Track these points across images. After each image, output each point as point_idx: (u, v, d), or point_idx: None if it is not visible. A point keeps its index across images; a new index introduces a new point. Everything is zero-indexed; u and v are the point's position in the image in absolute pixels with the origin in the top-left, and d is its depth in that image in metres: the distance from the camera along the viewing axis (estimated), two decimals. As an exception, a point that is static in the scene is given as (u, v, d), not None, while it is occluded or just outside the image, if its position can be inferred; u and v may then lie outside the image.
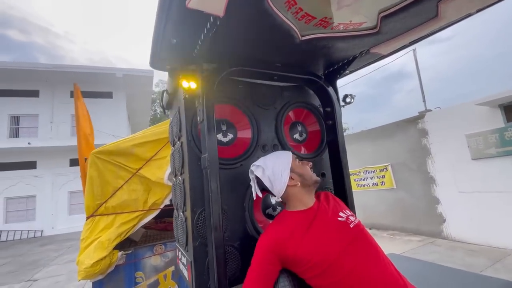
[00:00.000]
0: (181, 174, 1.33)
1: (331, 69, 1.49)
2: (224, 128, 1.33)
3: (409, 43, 1.28)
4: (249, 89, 1.42)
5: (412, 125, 5.92)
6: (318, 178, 1.11)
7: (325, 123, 1.55)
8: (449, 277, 1.66)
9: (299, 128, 1.57)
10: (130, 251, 2.36)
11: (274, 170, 1.06)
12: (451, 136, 5.16)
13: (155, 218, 2.65)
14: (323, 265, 0.89)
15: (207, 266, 1.14)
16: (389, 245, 5.23)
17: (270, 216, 1.38)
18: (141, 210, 2.41)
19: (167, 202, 2.52)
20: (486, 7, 1.05)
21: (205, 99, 1.09)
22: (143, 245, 2.49)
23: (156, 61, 1.14)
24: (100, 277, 2.17)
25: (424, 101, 6.82)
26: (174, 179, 1.51)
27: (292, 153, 1.17)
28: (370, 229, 6.79)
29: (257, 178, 1.11)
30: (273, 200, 1.41)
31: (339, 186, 1.45)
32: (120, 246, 2.29)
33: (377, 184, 6.71)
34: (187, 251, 1.23)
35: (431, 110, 5.95)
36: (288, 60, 1.31)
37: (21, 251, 9.56)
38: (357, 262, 0.89)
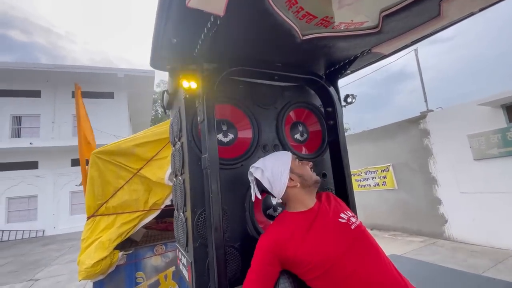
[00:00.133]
0: (181, 174, 1.33)
1: (332, 69, 1.49)
2: (224, 128, 1.33)
3: (411, 42, 1.27)
4: (249, 89, 1.41)
5: (414, 125, 5.90)
6: (318, 178, 1.10)
7: (326, 123, 1.54)
8: (451, 278, 1.65)
9: (300, 128, 1.57)
10: (130, 251, 2.36)
11: (273, 171, 1.05)
12: (453, 137, 5.13)
13: (156, 218, 2.65)
14: (324, 267, 0.89)
15: (207, 267, 1.14)
16: (391, 246, 5.21)
17: (271, 217, 1.37)
18: (142, 210, 2.41)
19: (168, 202, 2.52)
20: (489, 6, 1.04)
21: (206, 99, 1.09)
22: (143, 245, 2.49)
23: (156, 61, 1.14)
24: (101, 277, 2.17)
25: (425, 101, 6.79)
26: (174, 179, 1.50)
27: (293, 153, 1.17)
28: (371, 229, 6.77)
29: (256, 180, 1.10)
30: (273, 201, 1.40)
31: (340, 186, 1.45)
32: (121, 246, 2.30)
33: (378, 185, 6.69)
34: (187, 251, 1.23)
35: (432, 110, 5.93)
36: (289, 60, 1.31)
37: (23, 251, 9.59)
38: (358, 264, 0.88)
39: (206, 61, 1.15)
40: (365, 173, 7.01)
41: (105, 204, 2.34)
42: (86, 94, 13.96)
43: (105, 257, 2.10)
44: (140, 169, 2.43)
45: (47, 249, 9.37)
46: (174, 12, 0.84)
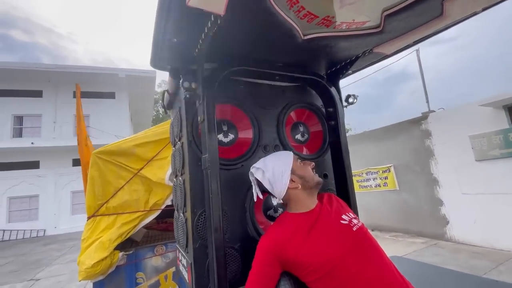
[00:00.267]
0: (181, 174, 1.32)
1: (333, 69, 1.48)
2: (225, 128, 1.32)
3: (413, 42, 1.26)
4: (250, 89, 1.40)
5: (415, 126, 5.88)
6: (320, 180, 1.09)
7: (328, 124, 1.53)
8: (452, 280, 1.65)
9: (301, 128, 1.56)
10: (131, 252, 2.36)
11: (274, 172, 1.04)
12: (455, 137, 5.11)
13: (156, 218, 2.64)
14: (325, 269, 0.88)
15: (207, 268, 1.13)
16: (392, 247, 5.19)
17: (272, 218, 1.36)
18: (142, 211, 2.41)
19: (168, 202, 2.52)
20: (492, 5, 1.03)
21: (206, 99, 1.08)
22: (144, 246, 2.48)
23: (156, 61, 1.13)
24: (101, 277, 2.16)
25: (427, 101, 6.76)
26: (174, 179, 1.50)
27: (294, 153, 1.16)
28: (372, 230, 6.75)
29: (257, 180, 1.10)
30: (274, 202, 1.39)
31: (341, 187, 1.44)
32: (121, 247, 2.29)
33: (379, 186, 6.67)
34: (187, 252, 1.22)
35: (434, 111, 5.90)
36: (290, 60, 1.30)
37: (24, 250, 9.61)
38: (359, 266, 0.87)
39: (206, 60, 1.14)
40: (366, 174, 6.99)
41: (105, 204, 2.34)
42: (88, 94, 14.01)
43: (105, 258, 2.10)
44: (140, 169, 2.43)
45: (48, 249, 9.39)
46: (174, 12, 0.83)
